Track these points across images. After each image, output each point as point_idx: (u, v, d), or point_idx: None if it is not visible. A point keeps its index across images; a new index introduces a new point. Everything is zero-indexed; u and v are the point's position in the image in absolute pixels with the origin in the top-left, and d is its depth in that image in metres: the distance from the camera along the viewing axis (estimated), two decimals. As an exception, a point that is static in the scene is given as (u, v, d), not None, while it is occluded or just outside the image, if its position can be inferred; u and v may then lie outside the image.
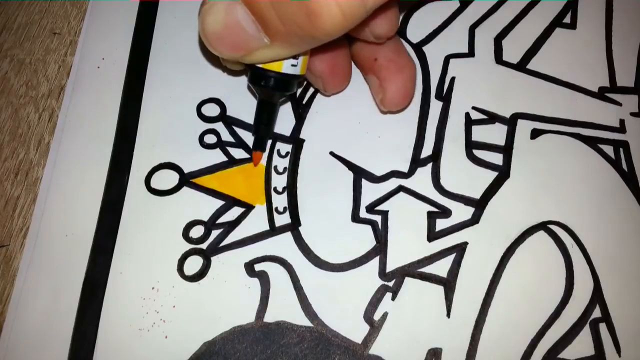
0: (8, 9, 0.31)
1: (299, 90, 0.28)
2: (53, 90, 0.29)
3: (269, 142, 0.27)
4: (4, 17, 0.31)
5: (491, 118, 0.29)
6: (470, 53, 0.30)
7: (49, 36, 0.30)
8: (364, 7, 0.18)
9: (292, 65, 0.23)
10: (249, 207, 0.26)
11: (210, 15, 0.21)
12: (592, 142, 0.28)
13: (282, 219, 0.26)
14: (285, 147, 0.27)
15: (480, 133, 0.28)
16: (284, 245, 0.25)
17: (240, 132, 0.28)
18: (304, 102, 0.28)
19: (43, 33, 0.30)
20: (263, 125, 0.25)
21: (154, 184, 0.26)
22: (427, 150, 0.28)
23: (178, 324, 0.24)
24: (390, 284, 0.25)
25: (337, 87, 0.28)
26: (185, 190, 0.26)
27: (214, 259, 0.25)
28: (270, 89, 0.24)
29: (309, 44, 0.21)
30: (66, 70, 0.29)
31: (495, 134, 0.28)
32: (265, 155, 0.27)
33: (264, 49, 0.21)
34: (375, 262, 0.25)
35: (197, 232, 0.25)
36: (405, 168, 0.27)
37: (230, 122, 0.28)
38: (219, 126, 0.28)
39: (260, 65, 0.23)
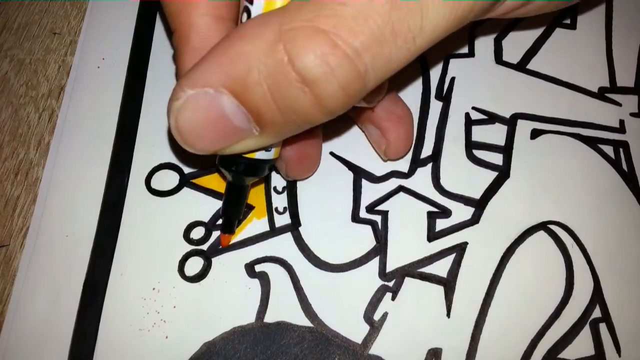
0: (8, 9, 0.31)
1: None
2: (53, 90, 0.29)
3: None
4: (4, 17, 0.31)
5: (491, 118, 0.29)
6: (470, 53, 0.30)
7: (49, 36, 0.30)
8: (364, 86, 0.17)
9: (266, 150, 0.21)
10: (249, 208, 0.26)
11: (188, 111, 0.18)
12: (592, 142, 0.28)
13: (282, 219, 0.26)
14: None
15: (480, 133, 0.28)
16: (284, 245, 0.26)
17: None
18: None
19: (43, 33, 0.30)
20: (232, 208, 0.24)
21: (155, 184, 0.26)
22: (427, 150, 0.28)
23: (178, 324, 0.24)
24: (390, 284, 0.25)
25: (300, 175, 0.26)
26: (186, 190, 0.26)
27: (214, 260, 0.25)
28: (241, 174, 0.22)
29: (301, 129, 0.19)
30: (66, 70, 0.29)
31: (495, 134, 0.28)
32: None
33: (250, 139, 0.19)
34: (375, 262, 0.25)
35: (197, 233, 0.26)
36: (405, 168, 0.27)
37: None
38: (219, 126, 0.28)
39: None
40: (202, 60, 0.18)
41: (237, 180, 0.23)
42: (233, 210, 0.24)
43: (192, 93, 0.18)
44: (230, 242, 0.25)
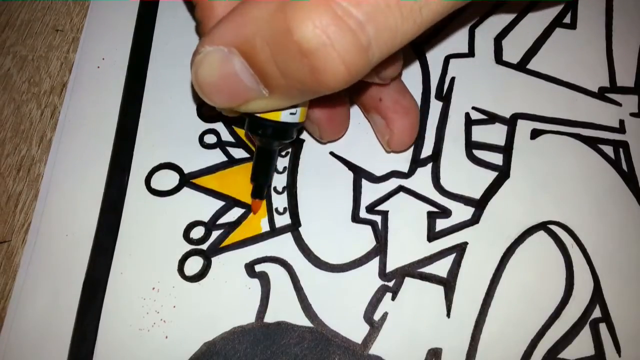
0: (11, 6, 0.31)
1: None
2: (55, 87, 0.29)
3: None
4: (7, 14, 0.31)
5: (491, 118, 0.29)
6: (470, 53, 0.30)
7: (51, 33, 0.30)
8: (367, 61, 0.17)
9: (291, 113, 0.22)
10: (249, 208, 0.26)
11: (205, 65, 0.19)
12: (592, 143, 0.28)
13: (282, 220, 0.26)
14: (284, 147, 0.27)
15: (480, 133, 0.28)
16: (284, 245, 0.25)
17: (240, 131, 0.28)
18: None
19: (45, 30, 0.30)
20: (261, 173, 0.25)
21: (154, 184, 0.26)
22: (427, 150, 0.28)
23: (178, 324, 0.24)
24: (390, 284, 0.25)
25: (333, 136, 0.27)
26: (186, 190, 0.26)
27: (214, 259, 0.25)
28: (269, 137, 0.23)
29: (309, 97, 0.20)
30: (68, 67, 0.29)
31: (495, 134, 0.28)
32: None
33: (261, 100, 0.20)
34: (375, 262, 0.25)
35: (197, 233, 0.26)
36: (405, 168, 0.27)
37: (230, 122, 0.28)
38: (219, 126, 0.28)
39: (258, 115, 0.22)
40: (221, 21, 0.19)
41: (265, 144, 0.24)
42: (262, 176, 0.25)
43: (209, 50, 0.19)
44: (231, 241, 0.25)
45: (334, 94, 0.19)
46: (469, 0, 0.19)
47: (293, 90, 0.19)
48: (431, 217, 0.26)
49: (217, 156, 0.27)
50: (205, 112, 0.28)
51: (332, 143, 0.28)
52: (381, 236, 0.26)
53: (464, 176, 0.27)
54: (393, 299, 0.25)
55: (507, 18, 0.31)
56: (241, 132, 0.28)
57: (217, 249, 0.25)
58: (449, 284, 0.25)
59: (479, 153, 0.28)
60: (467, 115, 0.29)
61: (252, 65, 0.18)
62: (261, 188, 0.25)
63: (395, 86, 0.25)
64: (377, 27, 0.16)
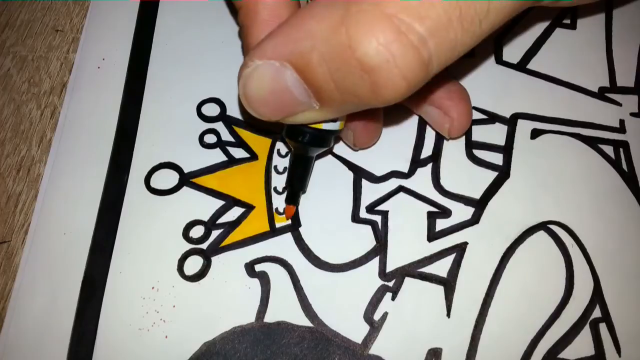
0: (11, 6, 0.31)
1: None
2: (55, 87, 0.29)
3: (270, 141, 0.27)
4: (7, 14, 0.31)
5: (491, 118, 0.29)
6: (470, 53, 0.30)
7: (51, 33, 0.30)
8: (427, 74, 0.17)
9: (332, 121, 0.22)
10: (249, 207, 0.26)
11: (254, 79, 0.19)
12: (592, 142, 0.28)
13: (282, 219, 0.26)
14: (285, 147, 0.27)
15: (480, 133, 0.28)
16: (284, 245, 0.25)
17: (240, 131, 0.28)
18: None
19: (45, 30, 0.30)
20: (297, 179, 0.25)
21: (154, 183, 0.26)
22: (427, 150, 0.28)
23: (178, 324, 0.24)
24: (390, 284, 0.25)
25: (367, 143, 0.27)
26: (185, 190, 0.26)
27: (214, 259, 0.25)
28: (307, 144, 0.23)
29: (360, 109, 0.20)
30: (68, 67, 0.29)
31: (495, 134, 0.28)
32: (265, 154, 0.27)
33: (310, 112, 0.20)
34: (375, 262, 0.25)
35: (197, 232, 0.25)
36: (405, 168, 0.27)
37: (230, 122, 0.28)
38: (219, 126, 0.28)
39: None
40: (272, 34, 0.18)
41: (303, 151, 0.24)
42: (298, 182, 0.25)
43: (259, 64, 0.19)
44: (231, 241, 0.25)
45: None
46: (526, 7, 0.18)
47: (347, 104, 0.19)
48: (431, 217, 0.26)
49: (217, 156, 0.27)
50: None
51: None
52: (381, 236, 0.26)
53: (464, 176, 0.27)
54: (393, 299, 0.25)
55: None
56: (241, 132, 0.28)
57: (217, 248, 0.25)
58: (449, 284, 0.25)
59: (479, 153, 0.28)
60: (467, 115, 0.28)
61: (306, 80, 0.18)
62: (296, 194, 0.25)
63: (440, 75, 0.25)
64: (438, 42, 0.16)
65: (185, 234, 0.25)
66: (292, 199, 0.25)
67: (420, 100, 0.26)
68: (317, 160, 0.27)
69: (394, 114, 0.28)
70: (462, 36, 0.17)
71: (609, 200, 0.27)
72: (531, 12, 0.31)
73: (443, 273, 0.25)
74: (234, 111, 0.28)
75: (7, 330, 0.24)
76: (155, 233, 0.25)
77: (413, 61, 0.16)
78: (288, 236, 0.26)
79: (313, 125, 0.22)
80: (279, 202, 0.26)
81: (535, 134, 0.28)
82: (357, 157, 0.27)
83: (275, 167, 0.27)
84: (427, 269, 0.25)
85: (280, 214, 0.26)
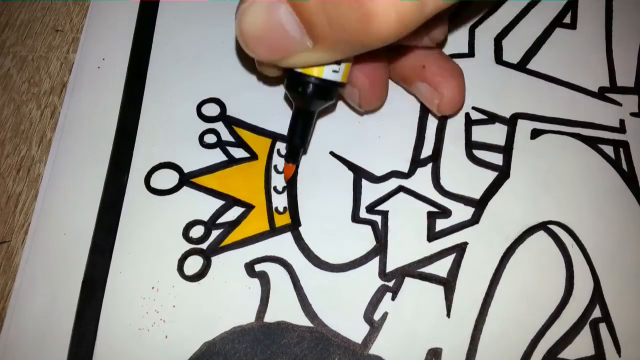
0: (11, 6, 0.31)
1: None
2: (55, 87, 0.29)
3: (270, 141, 0.27)
4: (7, 14, 0.31)
5: (491, 118, 0.29)
6: (470, 53, 0.30)
7: (51, 33, 0.30)
8: (422, 13, 0.17)
9: (334, 71, 0.21)
10: (249, 207, 0.26)
11: (250, 14, 0.19)
12: (592, 142, 0.28)
13: (282, 219, 0.26)
14: (285, 148, 0.27)
15: (480, 133, 0.28)
16: (284, 245, 0.25)
17: (240, 131, 0.28)
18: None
19: (45, 30, 0.30)
20: (298, 135, 0.24)
21: (154, 183, 0.26)
22: (427, 150, 0.28)
23: (178, 324, 0.24)
24: (390, 284, 0.25)
25: (373, 103, 0.26)
26: (185, 189, 0.26)
27: (214, 259, 0.25)
28: (308, 96, 0.22)
29: (355, 51, 0.20)
30: (68, 67, 0.29)
31: (495, 134, 0.28)
32: (265, 154, 0.27)
33: (305, 52, 0.19)
34: (375, 262, 0.25)
35: (197, 232, 0.25)
36: (405, 168, 0.27)
37: (230, 122, 0.28)
38: (219, 126, 0.28)
39: (299, 71, 0.21)
40: None
41: (304, 104, 0.23)
42: (299, 138, 0.24)
43: None
44: (231, 241, 0.25)
45: (377, 56, 0.19)
46: None
47: (339, 41, 0.18)
48: (431, 217, 0.26)
49: (217, 156, 0.27)
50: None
51: (332, 141, 0.27)
52: (381, 236, 0.26)
53: (464, 176, 0.27)
54: (393, 299, 0.25)
55: (507, 18, 0.31)
56: (241, 132, 0.28)
57: (217, 248, 0.25)
58: (449, 284, 0.25)
59: (479, 153, 0.28)
60: (467, 115, 0.29)
61: (299, 13, 0.18)
62: (296, 150, 0.24)
63: (436, 53, 0.25)
64: None
65: (185, 233, 0.25)
66: (292, 156, 0.24)
67: (413, 76, 0.26)
68: (316, 160, 0.27)
69: (395, 106, 0.28)
70: None
71: (609, 200, 0.27)
72: (531, 12, 0.31)
73: (443, 273, 0.25)
74: (234, 111, 0.28)
75: (7, 330, 0.24)
76: (155, 233, 0.25)
77: None
78: (288, 236, 0.26)
79: (314, 74, 0.21)
80: (279, 201, 0.26)
81: (535, 134, 0.28)
82: (357, 157, 0.27)
83: (275, 166, 0.27)
84: (427, 269, 0.25)
85: (280, 213, 0.26)
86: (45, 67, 0.29)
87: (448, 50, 0.30)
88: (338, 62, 0.21)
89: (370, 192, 0.27)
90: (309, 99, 0.22)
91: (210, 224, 0.26)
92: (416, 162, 0.27)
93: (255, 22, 0.19)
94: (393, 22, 0.17)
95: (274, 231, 0.26)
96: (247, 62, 0.29)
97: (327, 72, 0.21)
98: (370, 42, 0.18)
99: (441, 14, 0.18)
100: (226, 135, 0.28)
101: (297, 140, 0.24)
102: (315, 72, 0.21)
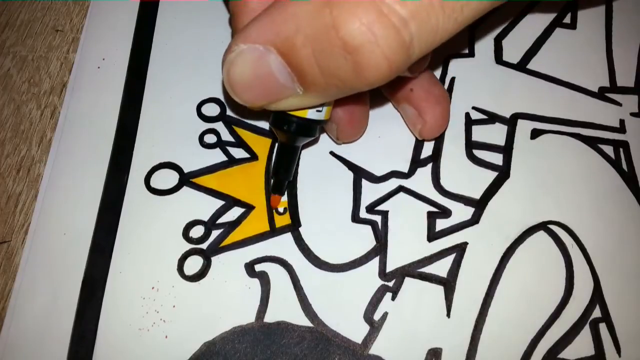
0: (11, 6, 0.31)
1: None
2: (55, 87, 0.29)
3: (270, 141, 0.27)
4: (7, 15, 0.31)
5: (491, 118, 0.29)
6: (470, 53, 0.30)
7: (51, 33, 0.30)
8: (408, 57, 0.17)
9: (317, 111, 0.22)
10: (249, 207, 0.26)
11: (238, 63, 0.19)
12: (592, 142, 0.28)
13: (282, 219, 0.26)
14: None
15: (480, 133, 0.28)
16: (284, 245, 0.25)
17: (240, 131, 0.28)
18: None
19: (45, 30, 0.30)
20: (283, 169, 0.25)
21: (154, 183, 0.26)
22: (427, 150, 0.28)
23: (178, 324, 0.24)
24: (390, 284, 0.25)
25: (351, 137, 0.27)
26: (185, 189, 0.26)
27: (214, 259, 0.25)
28: (293, 133, 0.23)
29: (344, 94, 0.20)
30: (68, 67, 0.29)
31: (495, 134, 0.28)
32: (265, 154, 0.27)
33: (294, 98, 0.20)
34: (375, 262, 0.25)
35: (197, 232, 0.25)
36: (405, 168, 0.27)
37: (230, 122, 0.28)
38: (219, 126, 0.28)
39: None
40: (256, 18, 0.19)
41: (289, 140, 0.24)
42: (284, 171, 0.25)
43: (244, 48, 0.19)
44: (231, 241, 0.25)
45: (359, 94, 0.19)
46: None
47: (331, 88, 0.19)
48: (431, 217, 0.26)
49: (217, 156, 0.27)
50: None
51: (332, 143, 0.28)
52: (381, 236, 0.26)
53: (464, 176, 0.27)
54: (393, 299, 0.25)
55: (507, 18, 0.31)
56: (241, 132, 0.28)
57: (217, 248, 0.25)
58: (449, 284, 0.25)
59: (479, 153, 0.28)
60: (467, 115, 0.29)
61: (290, 63, 0.18)
62: (281, 183, 0.25)
63: (425, 77, 0.26)
64: (419, 25, 0.17)
65: (185, 234, 0.25)
66: (278, 188, 0.25)
67: (400, 98, 0.26)
68: (317, 160, 0.27)
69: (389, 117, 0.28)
70: (444, 22, 0.17)
71: (609, 200, 0.27)
72: (531, 12, 0.31)
73: (443, 273, 0.25)
74: (233, 111, 0.28)
75: (7, 330, 0.24)
76: (155, 233, 0.25)
77: (394, 42, 0.17)
78: (288, 236, 0.26)
79: (298, 114, 0.22)
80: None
81: (535, 134, 0.28)
82: (357, 157, 0.27)
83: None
84: (427, 269, 0.25)
85: (280, 213, 0.26)
86: (45, 67, 0.29)
87: (448, 50, 0.30)
88: (322, 103, 0.22)
89: (370, 192, 0.27)
90: (294, 136, 0.23)
91: (210, 224, 0.26)
92: (416, 162, 0.27)
93: (244, 72, 0.19)
94: (384, 69, 0.17)
95: (274, 231, 0.26)
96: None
97: (311, 113, 0.22)
98: (360, 87, 0.18)
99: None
100: (226, 135, 0.28)
101: (283, 174, 0.25)
102: (299, 112, 0.22)
